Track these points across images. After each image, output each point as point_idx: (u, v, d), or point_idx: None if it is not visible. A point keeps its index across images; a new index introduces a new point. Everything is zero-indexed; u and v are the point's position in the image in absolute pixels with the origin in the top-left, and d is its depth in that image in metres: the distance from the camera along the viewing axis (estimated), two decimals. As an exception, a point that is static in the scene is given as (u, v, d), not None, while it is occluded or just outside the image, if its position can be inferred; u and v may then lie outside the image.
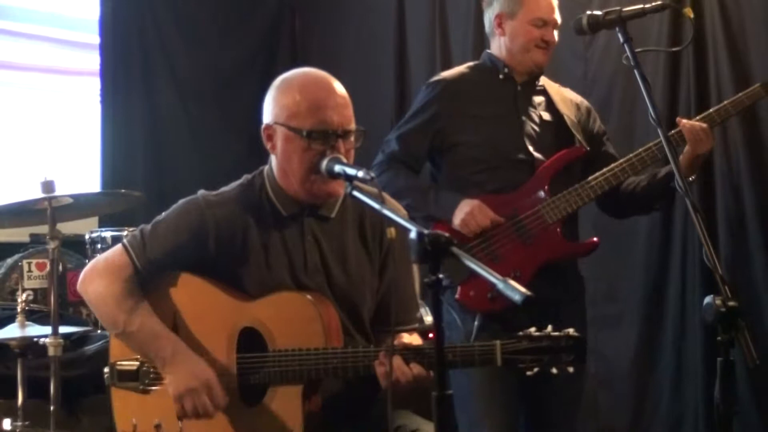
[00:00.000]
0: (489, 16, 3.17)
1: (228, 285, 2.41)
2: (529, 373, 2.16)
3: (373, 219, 2.47)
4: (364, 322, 2.47)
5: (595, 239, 3.07)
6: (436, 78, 3.22)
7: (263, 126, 2.42)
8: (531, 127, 3.09)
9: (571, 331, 2.17)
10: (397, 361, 2.21)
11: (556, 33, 3.11)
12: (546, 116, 3.13)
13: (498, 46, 3.15)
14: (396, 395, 2.18)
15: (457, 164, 3.10)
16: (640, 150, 3.00)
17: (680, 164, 2.90)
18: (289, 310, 2.36)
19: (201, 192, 2.48)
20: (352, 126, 2.37)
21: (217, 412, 2.33)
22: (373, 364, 2.25)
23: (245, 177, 2.52)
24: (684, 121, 2.94)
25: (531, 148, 3.06)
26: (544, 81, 3.19)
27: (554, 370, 2.15)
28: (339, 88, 2.38)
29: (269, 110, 2.41)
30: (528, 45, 3.07)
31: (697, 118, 2.98)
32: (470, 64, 3.28)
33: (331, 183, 2.34)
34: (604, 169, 3.01)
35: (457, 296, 2.97)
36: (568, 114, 3.13)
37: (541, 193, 3.00)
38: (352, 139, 2.37)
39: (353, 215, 2.48)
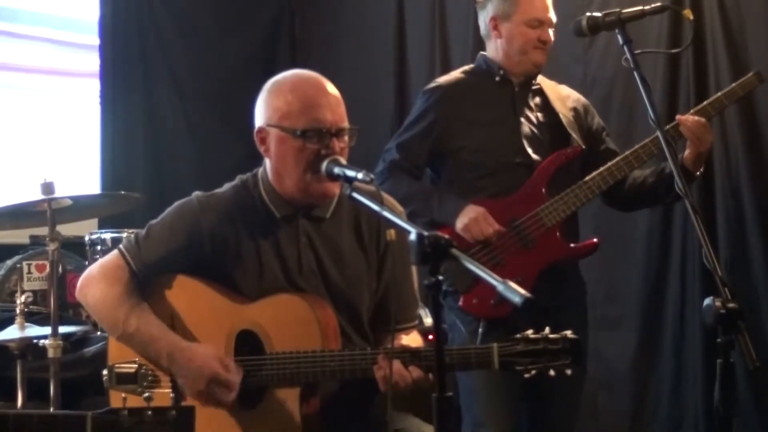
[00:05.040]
0: (483, 19, 3.16)
1: (225, 287, 2.41)
2: (527, 375, 2.15)
3: (369, 219, 2.46)
4: (362, 323, 2.46)
5: (594, 240, 3.06)
6: (432, 85, 3.21)
7: (256, 129, 2.42)
8: (529, 129, 3.09)
9: (568, 333, 2.17)
10: (396, 364, 2.19)
11: (551, 32, 3.10)
12: (543, 117, 3.12)
13: (494, 49, 3.14)
14: (396, 398, 2.17)
15: (456, 170, 3.09)
16: (636, 147, 3.00)
17: (685, 161, 2.91)
18: (286, 312, 2.35)
19: (195, 194, 2.48)
20: (346, 124, 2.36)
21: (233, 394, 2.31)
22: (373, 367, 2.24)
23: (239, 178, 2.51)
24: (683, 118, 2.93)
25: (530, 150, 3.05)
26: (540, 79, 3.18)
27: (552, 373, 2.15)
28: (330, 87, 2.38)
29: (261, 113, 2.41)
30: (525, 47, 3.06)
31: (692, 111, 2.99)
32: (466, 68, 3.26)
33: (327, 183, 2.33)
34: (601, 168, 3.00)
35: (460, 304, 2.96)
36: (565, 113, 3.12)
37: (539, 196, 2.99)
38: (346, 137, 2.36)
39: (349, 215, 2.47)
